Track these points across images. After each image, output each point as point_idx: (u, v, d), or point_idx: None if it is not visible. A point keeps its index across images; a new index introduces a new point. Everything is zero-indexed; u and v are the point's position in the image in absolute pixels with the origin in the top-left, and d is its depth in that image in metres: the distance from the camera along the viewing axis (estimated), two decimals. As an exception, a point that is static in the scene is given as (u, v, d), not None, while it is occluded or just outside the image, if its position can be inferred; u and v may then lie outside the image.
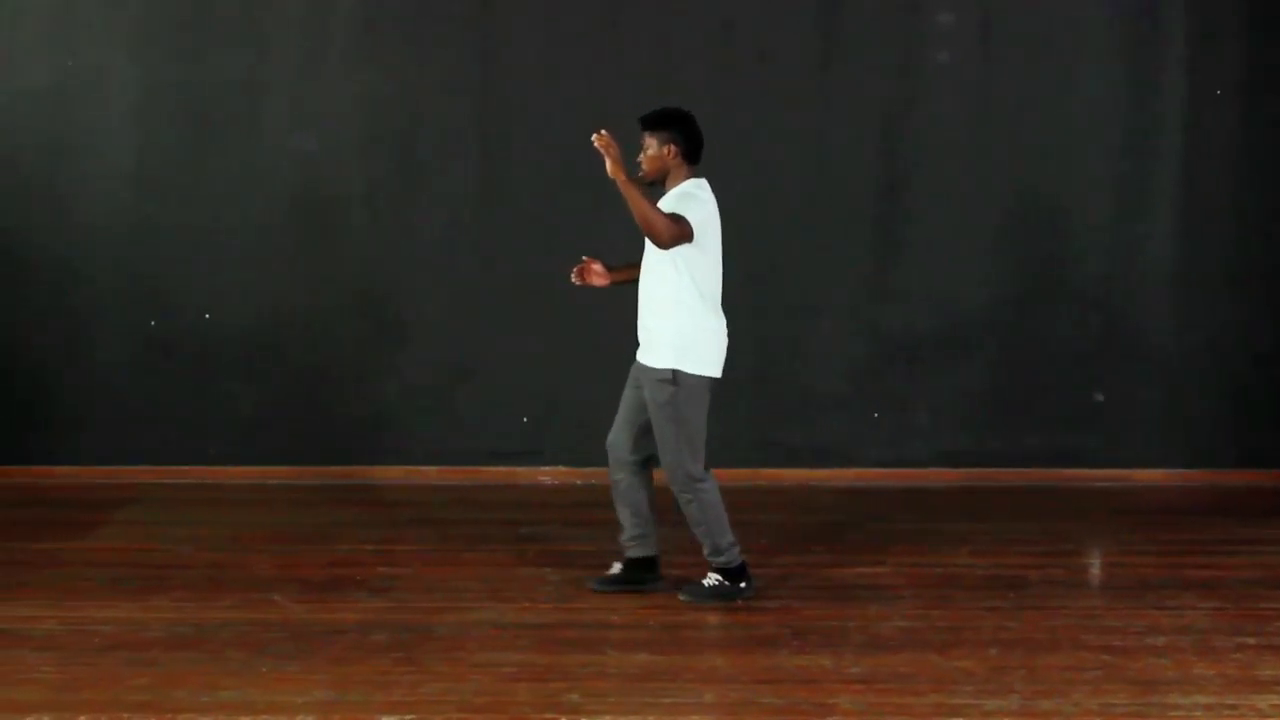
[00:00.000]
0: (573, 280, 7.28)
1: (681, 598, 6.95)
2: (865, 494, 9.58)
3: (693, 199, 6.78)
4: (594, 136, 6.60)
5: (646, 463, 7.11)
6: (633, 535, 7.07)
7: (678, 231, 6.62)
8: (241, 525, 8.50)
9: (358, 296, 9.79)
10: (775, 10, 9.74)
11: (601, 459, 9.79)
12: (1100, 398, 9.92)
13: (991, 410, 9.92)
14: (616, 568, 7.16)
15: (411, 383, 9.85)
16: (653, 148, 6.92)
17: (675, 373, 6.77)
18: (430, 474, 9.79)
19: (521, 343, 9.78)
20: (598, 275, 7.20)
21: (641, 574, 7.10)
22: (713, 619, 6.67)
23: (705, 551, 6.97)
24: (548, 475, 9.85)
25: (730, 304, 9.70)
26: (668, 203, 6.80)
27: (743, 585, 6.95)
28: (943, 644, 6.29)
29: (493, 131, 9.77)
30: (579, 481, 9.77)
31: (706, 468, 6.93)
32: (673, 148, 6.88)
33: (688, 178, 6.91)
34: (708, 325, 6.86)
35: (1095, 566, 8.11)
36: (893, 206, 9.84)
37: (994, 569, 7.64)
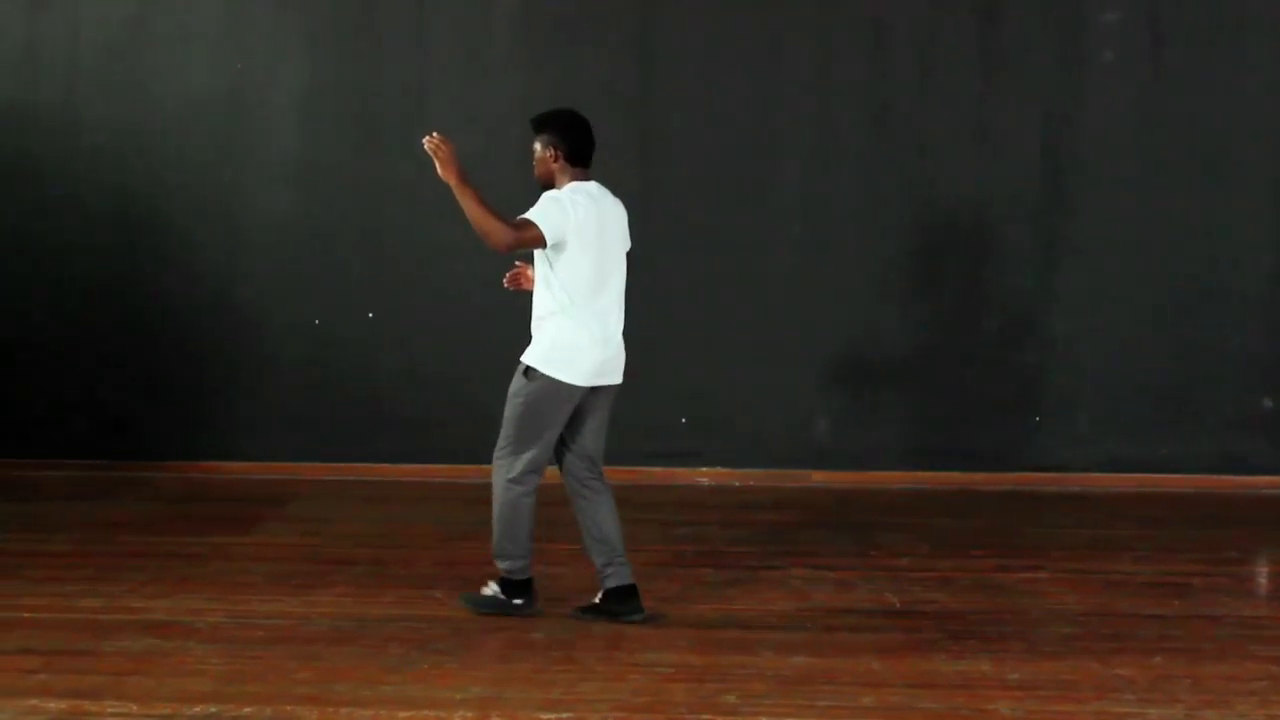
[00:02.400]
0: (506, 285, 7.23)
1: (459, 600, 6.87)
2: (1027, 498, 9.47)
3: (555, 203, 6.59)
4: (424, 140, 6.53)
5: (599, 479, 6.87)
6: (604, 565, 6.77)
7: (515, 236, 6.47)
8: (403, 522, 8.60)
9: (517, 296, 9.84)
10: (936, 10, 9.66)
11: (759, 460, 9.86)
12: (1269, 403, 9.73)
13: (1157, 415, 9.77)
14: (597, 598, 6.83)
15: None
16: (538, 151, 6.79)
17: (530, 369, 6.62)
18: (589, 474, 9.83)
19: (681, 344, 9.79)
20: (529, 280, 7.05)
21: (623, 603, 6.68)
22: (870, 622, 6.62)
23: (493, 554, 6.78)
24: (706, 476, 9.85)
25: (892, 306, 9.71)
26: (535, 205, 6.64)
27: (517, 602, 6.74)
28: (1105, 651, 6.20)
29: (650, 131, 9.79)
30: (737, 483, 9.77)
31: (533, 474, 6.68)
32: (555, 150, 6.73)
33: (573, 180, 6.73)
34: (576, 338, 6.62)
35: (1262, 575, 7.95)
36: (1057, 206, 9.73)
37: (1158, 576, 7.53)
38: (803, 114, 9.75)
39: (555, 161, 6.74)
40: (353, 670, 5.90)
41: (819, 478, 9.79)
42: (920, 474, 9.78)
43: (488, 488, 9.25)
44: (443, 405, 9.91)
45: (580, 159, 6.75)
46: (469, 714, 5.41)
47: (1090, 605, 6.95)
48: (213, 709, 5.44)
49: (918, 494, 9.51)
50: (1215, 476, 9.73)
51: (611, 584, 6.71)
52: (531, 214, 6.54)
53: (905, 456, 9.80)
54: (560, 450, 6.79)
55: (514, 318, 9.76)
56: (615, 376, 6.81)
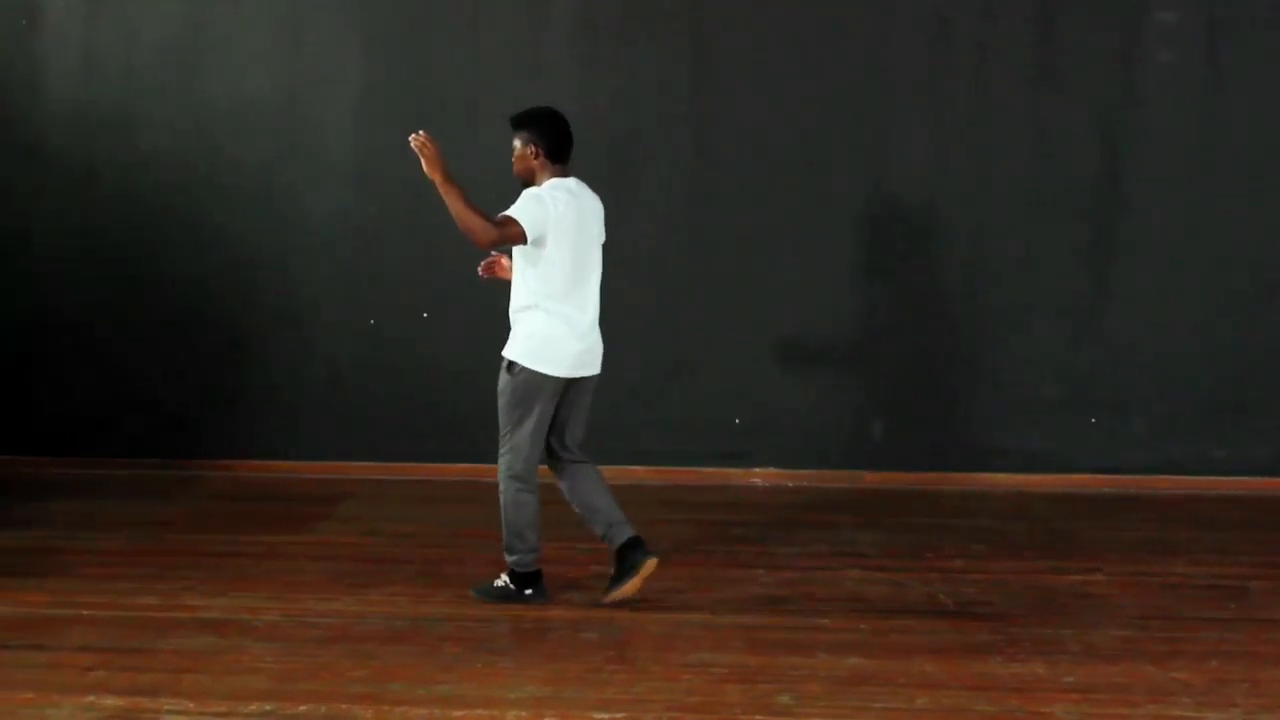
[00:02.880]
0: (480, 274, 7.38)
1: (471, 593, 7.02)
2: (1081, 500, 9.43)
3: (535, 199, 6.76)
4: (410, 138, 6.71)
5: (582, 462, 7.06)
6: (609, 530, 6.96)
7: (497, 233, 6.64)
8: (457, 522, 8.63)
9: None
10: (993, 6, 9.62)
11: (812, 461, 9.85)
12: (1326, 406, 9.69)
13: (1212, 417, 9.71)
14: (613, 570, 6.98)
15: (623, 383, 9.89)
16: (517, 148, 6.95)
17: (513, 364, 6.81)
18: (641, 474, 9.83)
19: (734, 343, 9.80)
20: (504, 270, 7.23)
21: (632, 556, 6.88)
22: (924, 624, 6.61)
23: (503, 547, 6.96)
24: (759, 477, 9.84)
25: (947, 307, 9.69)
26: (517, 201, 6.80)
27: (528, 592, 6.92)
28: (1160, 655, 6.17)
29: (703, 130, 9.79)
30: (790, 484, 9.76)
31: (528, 465, 6.87)
32: (534, 147, 6.89)
33: (553, 176, 6.89)
34: (554, 330, 6.81)
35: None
36: (1112, 206, 9.68)
37: (1214, 579, 7.47)
38: (857, 114, 9.73)
39: (535, 159, 6.90)
40: (407, 669, 5.93)
41: (872, 479, 9.76)
42: (974, 475, 9.75)
43: (546, 489, 9.31)
44: (485, 406, 9.91)
45: (559, 156, 6.94)
46: (523, 713, 5.43)
47: (1146, 608, 6.91)
48: (268, 707, 5.47)
49: (971, 495, 9.48)
50: (1271, 479, 9.67)
51: (618, 543, 6.89)
52: (513, 211, 6.71)
53: (959, 457, 9.78)
54: (545, 440, 6.95)
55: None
56: (594, 367, 7.00)
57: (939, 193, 9.72)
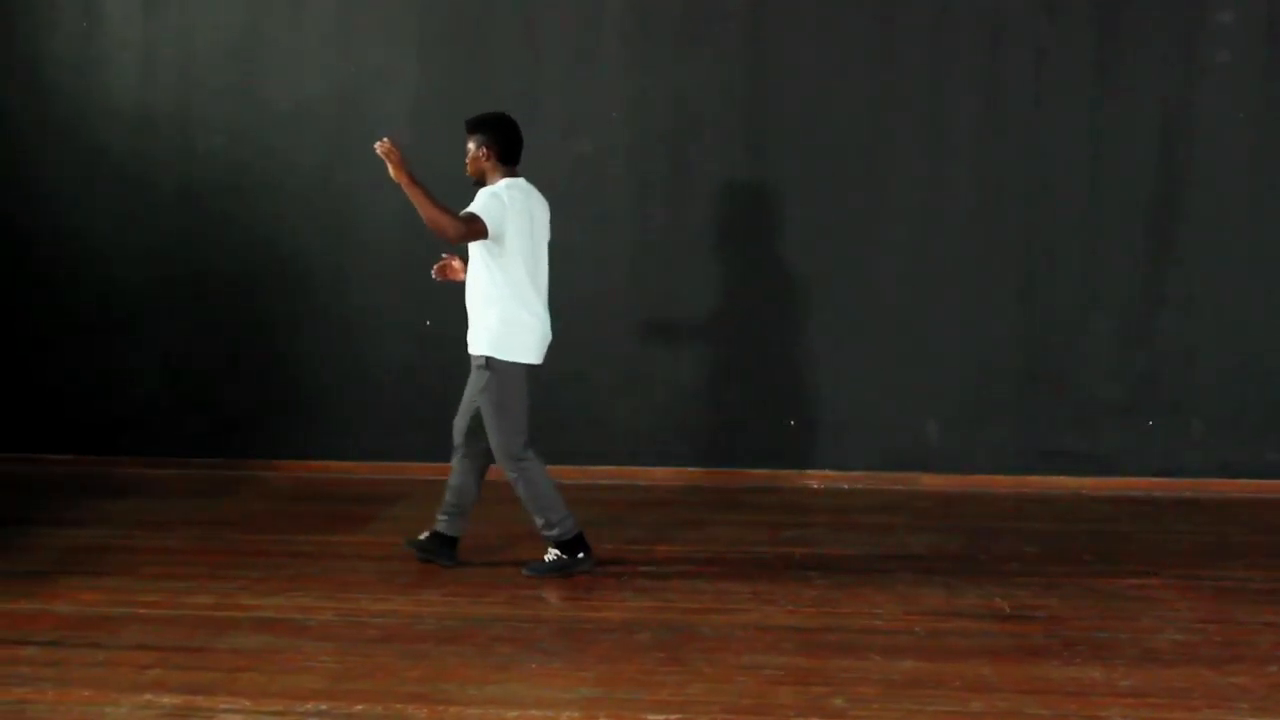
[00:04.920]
0: (434, 277, 7.77)
1: (525, 572, 7.42)
2: (1138, 503, 9.37)
3: (493, 198, 7.17)
4: (375, 145, 7.08)
5: (486, 453, 7.53)
6: (444, 511, 7.59)
7: (465, 229, 7.06)
8: (509, 522, 8.62)
9: (627, 299, 9.88)
10: (1052, 8, 9.57)
11: (867, 462, 9.83)
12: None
13: (1270, 420, 9.64)
14: (424, 534, 7.65)
15: (678, 383, 9.91)
16: (471, 150, 7.40)
17: (489, 359, 7.23)
18: (695, 475, 9.84)
19: (789, 344, 9.79)
20: (455, 271, 7.69)
21: (439, 548, 7.58)
22: (979, 627, 6.58)
23: (539, 527, 7.45)
24: (814, 479, 9.82)
25: (1003, 308, 9.65)
26: (475, 200, 7.22)
27: (580, 556, 7.42)
28: (1218, 659, 6.13)
29: (760, 131, 9.78)
30: (845, 485, 9.74)
31: (528, 446, 7.35)
32: (487, 150, 7.34)
33: (504, 177, 7.32)
34: (520, 316, 7.26)
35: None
36: (1171, 208, 9.61)
37: (1273, 583, 7.40)
38: (915, 114, 9.69)
39: (488, 160, 7.36)
40: (461, 669, 5.95)
41: (928, 481, 9.74)
42: (1030, 478, 9.71)
43: (600, 489, 9.34)
44: (553, 406, 9.94)
45: (510, 158, 7.39)
46: (576, 714, 5.44)
47: (1203, 612, 6.86)
48: (323, 706, 5.50)
49: (1027, 498, 9.44)
50: (1329, 482, 9.62)
51: (439, 530, 7.59)
52: (475, 209, 7.15)
53: (1015, 460, 9.73)
54: (462, 417, 7.55)
55: (620, 320, 9.86)
56: (543, 357, 7.47)
57: (995, 194, 9.67)
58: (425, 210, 7.04)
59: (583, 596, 7.05)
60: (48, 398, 10.30)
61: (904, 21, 9.65)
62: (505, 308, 7.22)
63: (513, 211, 7.17)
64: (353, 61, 9.95)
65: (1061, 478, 9.71)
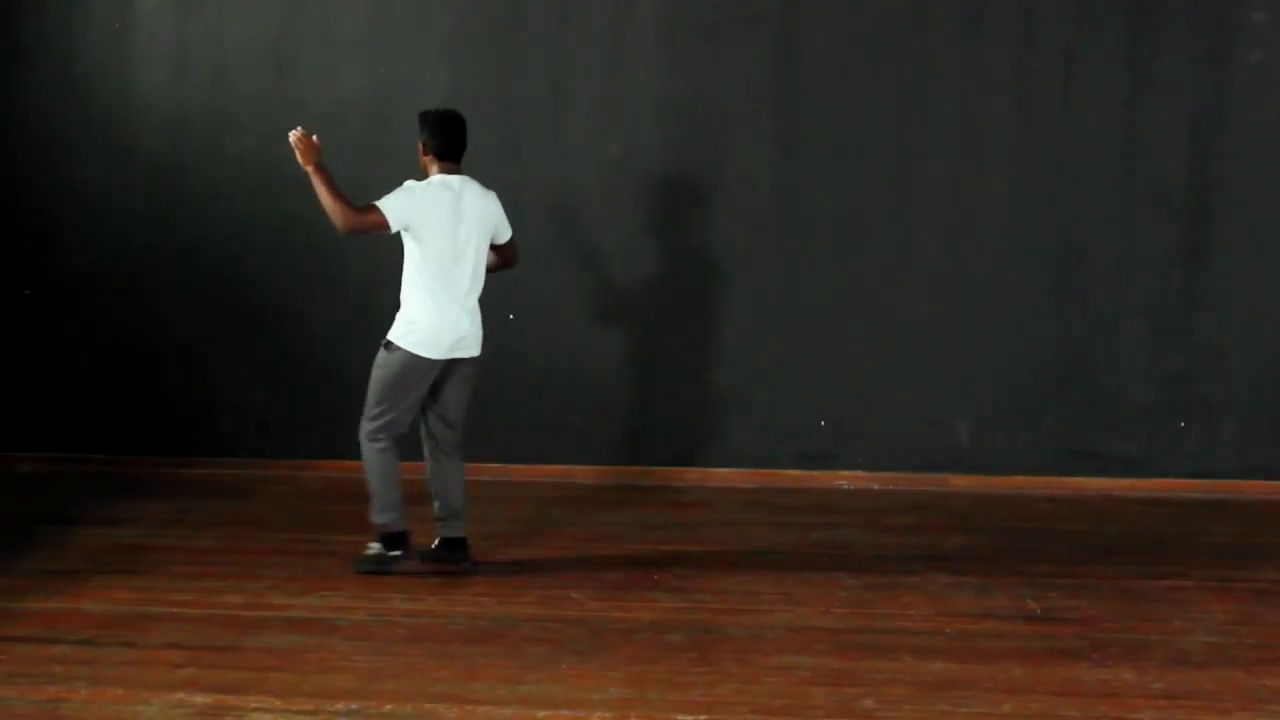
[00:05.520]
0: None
1: (352, 567, 7.53)
2: (1169, 505, 9.34)
3: (405, 191, 7.28)
4: (290, 134, 7.21)
5: (456, 446, 7.69)
6: (443, 516, 7.66)
7: (357, 220, 7.16)
8: (541, 523, 8.65)
9: (659, 299, 9.88)
10: (1083, 7, 9.53)
11: (898, 463, 9.82)
12: None
13: (1304, 422, 9.63)
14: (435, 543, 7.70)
15: (710, 385, 9.91)
16: (419, 145, 7.55)
17: (390, 343, 7.38)
18: (727, 476, 9.83)
19: (821, 345, 9.77)
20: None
21: (452, 553, 7.62)
22: (1010, 629, 6.57)
23: (371, 512, 7.56)
24: (845, 479, 9.81)
25: (1034, 308, 9.63)
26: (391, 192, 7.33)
27: (395, 554, 7.49)
28: (1250, 661, 6.11)
29: (793, 131, 9.76)
30: (876, 486, 9.72)
31: (389, 434, 7.45)
32: (424, 145, 7.49)
33: (440, 173, 7.46)
34: (425, 311, 7.34)
35: None
36: (1203, 209, 9.57)
37: (1306, 585, 7.40)
38: (947, 113, 9.66)
39: (425, 155, 7.51)
40: (491, 669, 5.96)
41: (958, 482, 9.72)
42: (1061, 479, 9.68)
43: (630, 489, 9.33)
44: (580, 407, 9.96)
45: (444, 154, 7.48)
46: (607, 714, 5.45)
47: (1235, 614, 6.84)
48: (354, 706, 5.52)
49: (1058, 499, 9.42)
50: (1363, 484, 9.58)
51: (445, 534, 7.62)
52: (380, 200, 7.24)
53: (1046, 461, 9.71)
54: (425, 414, 7.61)
55: (651, 321, 9.86)
56: (471, 350, 7.55)
57: (1026, 193, 9.65)
58: (322, 199, 7.17)
59: (613, 597, 7.05)
60: (80, 397, 10.34)
61: (935, 22, 9.62)
62: (415, 300, 7.36)
63: (424, 208, 7.26)
64: (384, 62, 9.96)
65: (1093, 479, 9.68)
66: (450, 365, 7.45)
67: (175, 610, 6.78)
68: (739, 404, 9.90)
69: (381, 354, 7.39)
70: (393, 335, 7.37)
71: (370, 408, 7.44)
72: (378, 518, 7.50)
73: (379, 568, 7.46)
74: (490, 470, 9.82)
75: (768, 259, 9.79)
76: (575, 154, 9.83)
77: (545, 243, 9.78)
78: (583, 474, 9.84)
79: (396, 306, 9.31)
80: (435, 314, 7.32)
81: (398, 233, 7.27)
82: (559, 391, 9.97)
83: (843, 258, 9.75)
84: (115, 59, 10.16)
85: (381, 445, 7.45)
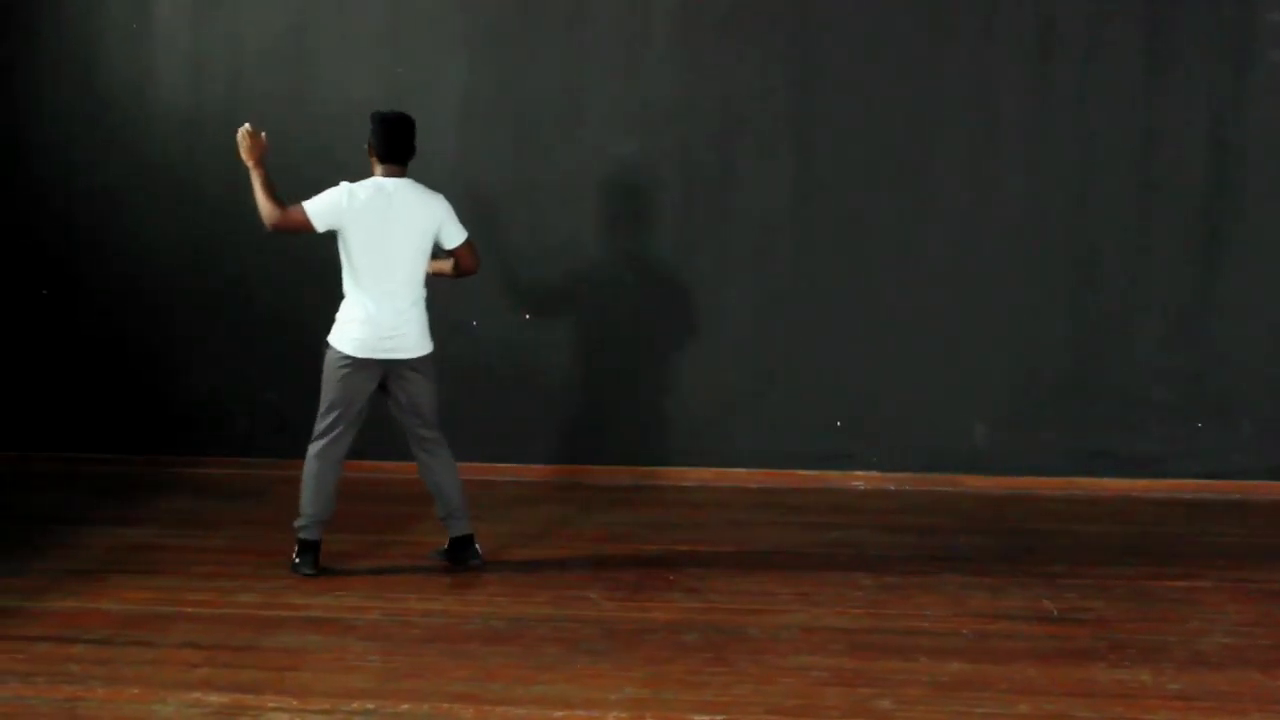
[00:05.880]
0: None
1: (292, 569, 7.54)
2: (1186, 505, 9.32)
3: (334, 192, 7.37)
4: (238, 131, 7.44)
5: (436, 442, 7.73)
6: (444, 515, 7.67)
7: (280, 217, 7.34)
8: (556, 523, 8.65)
9: (671, 298, 9.88)
10: (1101, 7, 9.52)
11: (914, 464, 9.81)
12: None
13: (1320, 422, 9.60)
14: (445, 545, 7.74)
15: (724, 384, 9.90)
16: None
17: (327, 343, 7.50)
18: (741, 476, 9.82)
19: (836, 345, 9.77)
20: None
21: (461, 551, 7.64)
22: (1026, 629, 6.57)
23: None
24: (860, 479, 9.80)
25: (1050, 308, 9.61)
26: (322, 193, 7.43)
27: (297, 560, 7.47)
28: (1267, 662, 6.10)
29: (807, 130, 9.75)
30: (892, 486, 9.71)
31: (325, 436, 7.50)
32: (369, 145, 7.54)
33: (382, 175, 7.50)
34: (352, 310, 7.43)
35: None
36: (1221, 209, 9.54)
37: (1323, 586, 7.38)
38: (963, 113, 9.65)
39: (370, 155, 7.56)
40: (507, 669, 5.97)
41: (974, 483, 9.70)
42: (1077, 479, 9.66)
43: (643, 490, 9.34)
44: (600, 407, 9.96)
45: (387, 157, 7.51)
46: (623, 714, 5.45)
47: (1251, 615, 6.83)
48: (370, 705, 5.53)
49: (1074, 500, 9.40)
50: (1380, 485, 9.55)
51: (451, 534, 7.63)
52: (309, 200, 7.36)
53: (1062, 461, 9.69)
54: (399, 419, 7.66)
55: (673, 321, 9.86)
56: (409, 352, 7.52)
57: (1043, 192, 9.63)
58: (256, 195, 7.36)
59: (629, 597, 7.05)
60: (97, 398, 10.35)
61: (952, 22, 9.61)
62: (347, 301, 7.46)
63: (353, 209, 7.30)
64: (401, 64, 9.96)
65: (1109, 479, 9.66)
66: (391, 368, 7.48)
67: (192, 610, 6.79)
68: (752, 404, 9.89)
69: (324, 356, 7.51)
70: (330, 335, 7.49)
71: (318, 417, 7.52)
72: (296, 522, 7.52)
73: (290, 570, 7.52)
74: (503, 470, 9.84)
75: (782, 258, 9.78)
76: (592, 152, 9.82)
77: (559, 241, 9.80)
78: (595, 474, 9.84)
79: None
80: (363, 315, 7.38)
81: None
82: (572, 392, 9.97)
83: (858, 257, 9.74)
84: (132, 60, 10.17)
85: (313, 453, 7.52)
